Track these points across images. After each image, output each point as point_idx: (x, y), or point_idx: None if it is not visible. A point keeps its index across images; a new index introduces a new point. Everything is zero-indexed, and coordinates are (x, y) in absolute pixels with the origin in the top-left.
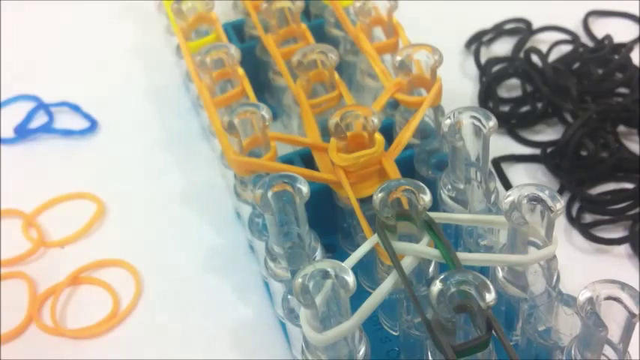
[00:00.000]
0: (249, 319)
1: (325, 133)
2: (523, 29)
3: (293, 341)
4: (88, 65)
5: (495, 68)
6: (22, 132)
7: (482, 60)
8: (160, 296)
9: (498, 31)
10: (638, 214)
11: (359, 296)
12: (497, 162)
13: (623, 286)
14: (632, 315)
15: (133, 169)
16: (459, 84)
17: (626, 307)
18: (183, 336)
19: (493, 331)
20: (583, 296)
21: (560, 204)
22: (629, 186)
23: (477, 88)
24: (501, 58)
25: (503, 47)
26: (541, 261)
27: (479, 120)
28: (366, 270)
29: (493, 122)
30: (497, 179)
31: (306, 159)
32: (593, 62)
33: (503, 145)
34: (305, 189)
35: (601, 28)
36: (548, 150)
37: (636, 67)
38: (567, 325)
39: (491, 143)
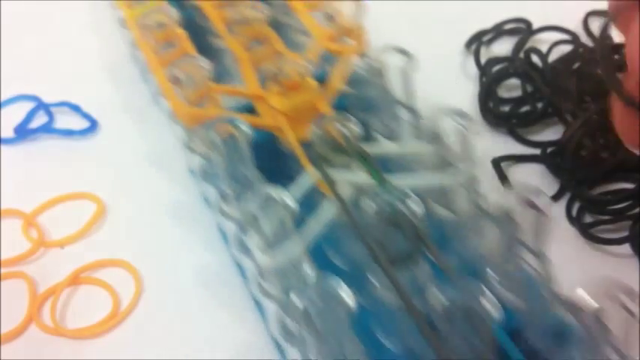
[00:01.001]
0: None
1: (265, 87)
2: (523, 29)
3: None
4: (88, 65)
5: (495, 68)
6: (22, 132)
7: (483, 60)
8: (160, 296)
9: (498, 31)
10: (638, 214)
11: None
12: (498, 162)
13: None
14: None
15: (133, 169)
16: (459, 84)
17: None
18: (184, 336)
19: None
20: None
21: None
22: (629, 186)
23: (477, 88)
24: (501, 58)
25: (503, 47)
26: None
27: (400, 55)
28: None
29: (410, 57)
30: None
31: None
32: (593, 62)
33: (503, 145)
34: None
35: None
36: (548, 150)
37: None
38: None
39: (491, 143)
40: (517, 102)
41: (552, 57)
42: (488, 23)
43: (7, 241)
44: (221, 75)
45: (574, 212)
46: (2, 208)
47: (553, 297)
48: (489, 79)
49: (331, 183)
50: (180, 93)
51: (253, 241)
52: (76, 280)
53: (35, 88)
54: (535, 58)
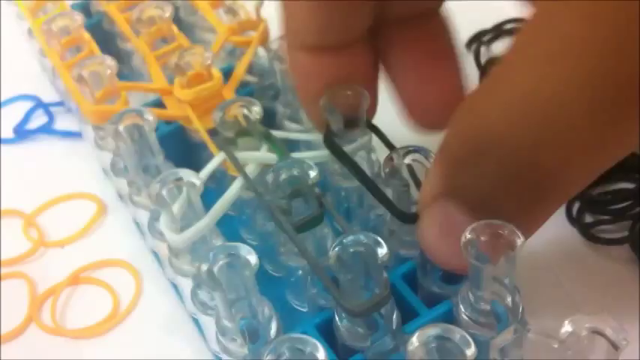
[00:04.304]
0: None
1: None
2: None
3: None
4: None
5: None
6: (22, 132)
7: (483, 60)
8: (160, 296)
9: (498, 31)
10: (638, 214)
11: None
12: None
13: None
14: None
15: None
16: None
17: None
18: (184, 336)
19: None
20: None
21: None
22: (629, 186)
23: None
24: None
25: (503, 47)
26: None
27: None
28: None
29: None
30: None
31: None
32: None
33: None
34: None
35: None
36: None
37: None
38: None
39: None
40: None
41: None
42: (488, 23)
43: (7, 241)
44: (131, 77)
45: (574, 212)
46: (2, 208)
47: None
48: None
49: (234, 159)
50: (88, 93)
51: (163, 221)
52: (76, 280)
53: (35, 88)
54: None
